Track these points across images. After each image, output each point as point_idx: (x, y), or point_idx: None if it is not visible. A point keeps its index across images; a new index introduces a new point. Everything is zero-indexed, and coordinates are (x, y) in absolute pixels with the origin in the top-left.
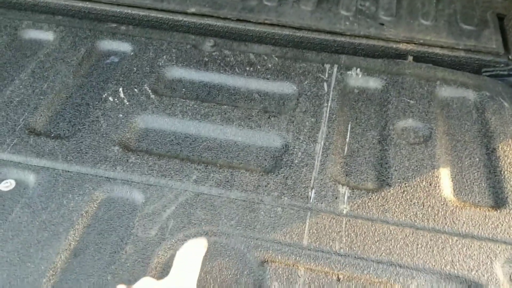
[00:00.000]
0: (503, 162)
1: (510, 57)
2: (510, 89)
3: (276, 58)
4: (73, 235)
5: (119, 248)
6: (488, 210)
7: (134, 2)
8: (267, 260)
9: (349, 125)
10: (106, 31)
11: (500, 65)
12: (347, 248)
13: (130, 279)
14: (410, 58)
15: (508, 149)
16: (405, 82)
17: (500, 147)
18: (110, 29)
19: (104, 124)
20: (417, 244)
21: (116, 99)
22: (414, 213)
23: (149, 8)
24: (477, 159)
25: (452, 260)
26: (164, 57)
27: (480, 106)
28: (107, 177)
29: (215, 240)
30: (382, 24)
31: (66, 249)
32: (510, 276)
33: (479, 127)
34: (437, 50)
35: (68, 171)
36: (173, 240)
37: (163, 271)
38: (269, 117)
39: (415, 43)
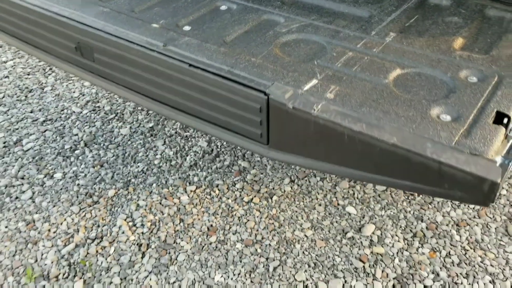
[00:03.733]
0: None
1: None
2: None
3: None
4: (239, 29)
5: (261, 36)
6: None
7: None
8: (339, 53)
9: (416, 16)
10: None
11: None
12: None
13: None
14: None
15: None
16: (462, 3)
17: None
18: None
19: None
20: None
21: None
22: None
23: None
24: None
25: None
26: None
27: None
28: (264, 10)
29: (310, 39)
30: None
31: (235, 32)
32: None
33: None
34: None
35: (246, 6)
36: (292, 34)
37: (283, 47)
38: (367, 4)
39: None
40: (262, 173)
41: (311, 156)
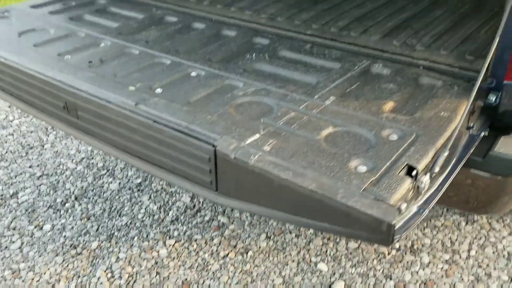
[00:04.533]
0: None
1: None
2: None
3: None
4: (204, 92)
5: (220, 97)
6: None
7: None
8: (283, 113)
9: (357, 83)
10: None
11: None
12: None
13: (216, 102)
14: (421, 67)
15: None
16: (400, 72)
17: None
18: None
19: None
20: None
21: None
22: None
23: None
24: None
25: None
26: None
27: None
28: (227, 76)
29: (262, 101)
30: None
31: (199, 94)
32: None
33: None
34: (442, 67)
35: (212, 72)
36: (247, 97)
37: (237, 108)
38: (316, 72)
39: (430, 61)
40: (240, 229)
41: (252, 201)
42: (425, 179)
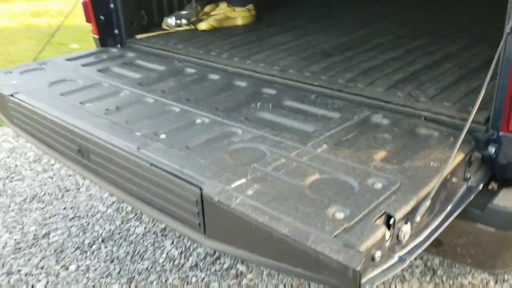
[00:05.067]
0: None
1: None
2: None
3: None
4: (203, 138)
5: (217, 143)
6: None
7: None
8: (274, 159)
9: (353, 132)
10: None
11: None
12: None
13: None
14: (423, 118)
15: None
16: (398, 123)
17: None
18: None
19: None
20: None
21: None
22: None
23: None
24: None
25: None
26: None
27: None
28: (228, 124)
29: (256, 147)
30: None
31: (198, 140)
32: None
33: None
34: (443, 117)
35: (216, 120)
36: (243, 143)
37: (232, 153)
38: (314, 121)
39: (431, 112)
40: (258, 278)
41: (236, 245)
42: (405, 228)
